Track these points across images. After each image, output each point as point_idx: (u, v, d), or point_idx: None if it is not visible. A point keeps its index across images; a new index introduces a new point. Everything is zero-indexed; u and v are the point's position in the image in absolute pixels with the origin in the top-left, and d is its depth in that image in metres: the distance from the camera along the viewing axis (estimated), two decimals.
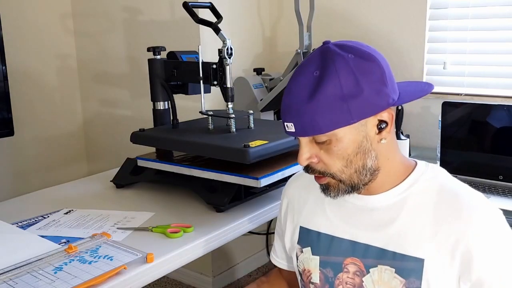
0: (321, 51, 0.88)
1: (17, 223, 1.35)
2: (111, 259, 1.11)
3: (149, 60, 1.74)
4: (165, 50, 1.76)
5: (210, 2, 1.73)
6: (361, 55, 0.85)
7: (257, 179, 1.37)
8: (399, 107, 1.88)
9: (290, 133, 0.89)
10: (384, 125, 0.87)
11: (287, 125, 0.88)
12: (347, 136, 0.85)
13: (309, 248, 1.00)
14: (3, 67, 2.05)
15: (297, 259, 1.03)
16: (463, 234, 0.83)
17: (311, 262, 0.99)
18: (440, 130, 1.84)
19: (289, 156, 1.50)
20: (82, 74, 2.79)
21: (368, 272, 0.92)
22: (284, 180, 1.61)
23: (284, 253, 1.13)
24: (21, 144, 2.54)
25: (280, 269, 1.19)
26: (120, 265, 1.07)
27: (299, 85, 0.86)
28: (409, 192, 0.90)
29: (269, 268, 2.80)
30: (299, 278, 1.05)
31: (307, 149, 0.88)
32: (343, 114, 0.83)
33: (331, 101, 0.83)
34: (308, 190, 1.04)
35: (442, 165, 1.82)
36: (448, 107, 1.82)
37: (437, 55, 2.24)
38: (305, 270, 1.01)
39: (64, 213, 1.43)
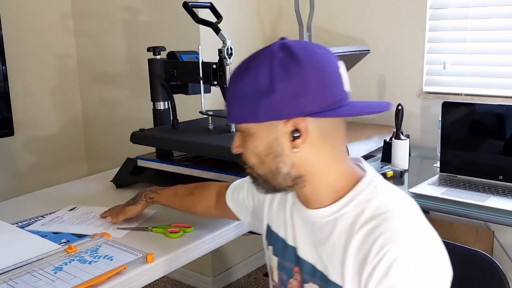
0: (268, 45, 0.87)
1: (17, 223, 1.35)
2: (111, 259, 1.11)
3: (149, 60, 1.74)
4: (165, 50, 1.76)
5: (210, 2, 1.73)
6: (292, 57, 0.81)
7: None
8: (399, 107, 1.88)
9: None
10: (297, 134, 0.81)
11: None
12: (258, 134, 0.84)
13: (272, 247, 1.00)
14: (3, 67, 2.05)
15: (265, 252, 1.05)
16: (374, 269, 0.76)
17: (272, 262, 1.00)
18: (440, 130, 1.84)
19: None
20: (82, 74, 2.80)
21: (303, 286, 0.92)
22: None
23: (244, 204, 1.14)
24: (21, 144, 2.54)
25: (215, 186, 1.25)
26: (120, 265, 1.07)
27: (235, 70, 0.87)
28: (342, 212, 0.84)
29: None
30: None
31: (237, 138, 0.89)
32: (251, 110, 0.81)
33: (243, 94, 0.82)
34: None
35: (442, 165, 1.83)
36: (448, 107, 1.82)
37: (437, 55, 2.24)
38: (269, 266, 1.03)
39: (69, 210, 1.44)
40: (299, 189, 0.87)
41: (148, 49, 1.74)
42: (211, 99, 1.80)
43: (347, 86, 0.85)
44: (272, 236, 1.00)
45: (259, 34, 2.64)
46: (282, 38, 0.89)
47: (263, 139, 0.84)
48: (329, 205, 0.86)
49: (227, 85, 0.90)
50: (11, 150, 2.50)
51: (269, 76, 0.80)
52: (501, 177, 1.70)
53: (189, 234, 1.26)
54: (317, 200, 0.87)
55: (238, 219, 1.18)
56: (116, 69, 2.64)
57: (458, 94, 2.17)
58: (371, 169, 0.89)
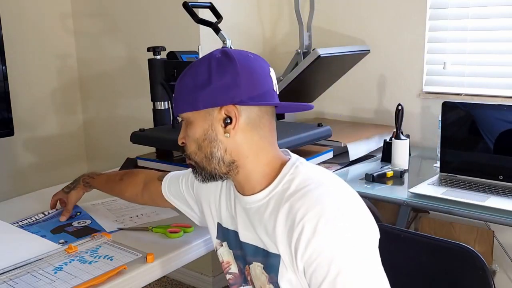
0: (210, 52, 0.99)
1: (19, 222, 1.35)
2: (111, 259, 1.11)
3: (149, 60, 1.74)
4: (165, 50, 1.76)
5: (210, 2, 1.73)
6: (228, 57, 0.94)
7: None
8: (399, 107, 1.88)
9: None
10: (229, 121, 0.93)
11: None
12: (196, 121, 0.95)
13: (226, 242, 1.07)
14: (3, 67, 2.05)
15: (216, 251, 1.10)
16: (301, 233, 0.86)
17: (229, 255, 1.07)
18: (440, 130, 1.84)
19: None
20: (82, 74, 2.79)
21: (249, 268, 1.01)
22: None
23: (182, 198, 1.21)
24: (21, 144, 2.54)
25: (153, 180, 1.29)
26: (120, 265, 1.07)
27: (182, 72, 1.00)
28: (272, 195, 0.94)
29: None
30: (222, 267, 1.11)
31: (181, 130, 0.99)
32: (191, 101, 0.94)
33: (185, 88, 0.95)
34: (221, 187, 1.09)
35: (442, 165, 1.83)
36: (448, 107, 1.82)
37: (437, 55, 2.24)
38: (223, 262, 1.09)
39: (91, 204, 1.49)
40: (234, 175, 0.97)
41: (148, 49, 1.74)
42: None
43: (275, 88, 0.99)
44: (224, 232, 1.07)
45: (259, 34, 2.64)
46: (224, 47, 1.06)
47: (200, 126, 0.95)
48: (261, 190, 0.96)
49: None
50: (11, 150, 2.50)
51: (208, 72, 0.93)
52: (501, 177, 1.70)
53: (189, 234, 1.26)
54: (250, 186, 0.97)
55: (174, 209, 1.26)
56: (116, 69, 2.64)
57: (458, 94, 2.17)
58: (295, 156, 1.00)
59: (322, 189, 0.90)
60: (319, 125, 1.70)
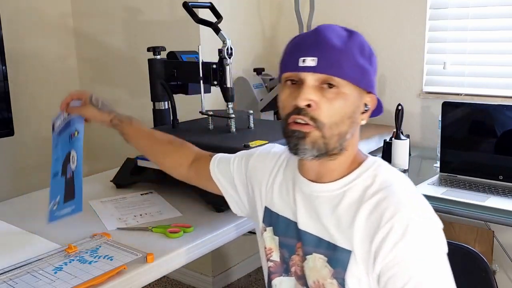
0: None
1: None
2: (111, 259, 1.11)
3: (149, 60, 1.74)
4: (165, 50, 1.76)
5: (210, 2, 1.73)
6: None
7: None
8: (399, 107, 1.88)
9: (305, 68, 0.88)
10: (367, 108, 0.93)
11: (305, 59, 0.88)
12: (350, 97, 0.89)
13: (271, 228, 1.03)
14: (3, 67, 2.05)
15: (261, 235, 1.07)
16: (388, 233, 0.84)
17: (272, 241, 1.03)
18: (440, 130, 1.84)
19: None
20: (82, 74, 2.79)
21: (305, 258, 0.96)
22: None
23: (230, 178, 1.16)
24: (21, 144, 2.54)
25: (202, 156, 1.23)
26: (120, 265, 1.07)
27: (332, 32, 0.90)
28: (350, 186, 0.92)
29: None
30: (263, 253, 1.09)
31: (310, 92, 0.88)
32: (360, 73, 0.90)
33: (359, 54, 0.90)
34: (277, 172, 1.06)
35: (442, 165, 1.83)
36: (448, 107, 1.82)
37: (437, 55, 2.24)
38: (266, 248, 1.05)
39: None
40: (331, 160, 0.93)
41: (148, 49, 1.74)
42: (211, 99, 1.80)
43: None
44: (272, 217, 1.03)
45: (259, 34, 2.64)
46: None
47: (353, 103, 0.90)
48: (336, 180, 0.93)
49: (331, 44, 0.88)
50: (11, 150, 2.50)
51: (369, 51, 0.92)
52: (501, 177, 1.70)
53: (189, 234, 1.26)
54: (330, 174, 0.94)
55: (215, 191, 1.20)
56: (116, 69, 2.64)
57: (458, 94, 2.17)
58: (370, 155, 1.01)
59: (408, 191, 0.89)
60: None
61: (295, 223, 0.98)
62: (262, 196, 1.07)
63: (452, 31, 2.20)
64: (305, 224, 0.96)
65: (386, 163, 0.97)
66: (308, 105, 0.87)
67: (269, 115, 2.24)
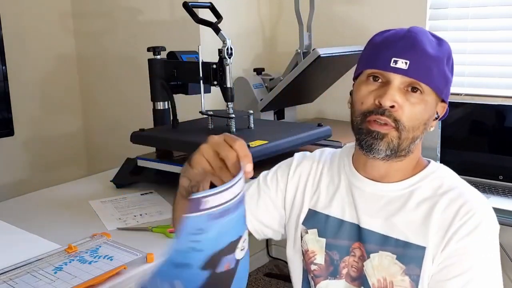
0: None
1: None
2: (111, 259, 1.11)
3: (149, 60, 1.74)
4: (165, 50, 1.76)
5: (210, 2, 1.73)
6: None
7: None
8: None
9: (396, 70, 0.88)
10: (437, 116, 0.96)
11: (397, 60, 0.88)
12: (430, 104, 0.91)
13: (316, 230, 1.01)
14: (3, 67, 2.05)
15: (301, 239, 1.03)
16: (460, 228, 0.88)
17: (316, 244, 1.00)
18: (440, 130, 1.84)
19: (289, 156, 1.50)
20: (82, 74, 2.79)
21: (368, 257, 0.94)
22: None
23: (257, 207, 1.06)
24: (21, 144, 2.54)
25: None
26: (120, 265, 1.07)
27: (424, 37, 0.90)
28: (418, 186, 0.94)
29: (268, 268, 2.80)
30: (298, 258, 1.05)
31: (396, 93, 0.88)
32: (444, 82, 0.91)
33: (445, 64, 0.91)
34: (321, 174, 1.05)
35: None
36: (448, 107, 1.82)
37: None
38: (308, 251, 1.02)
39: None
40: (398, 161, 0.94)
41: (148, 49, 1.74)
42: (211, 99, 1.80)
43: None
44: (317, 219, 1.01)
45: (259, 34, 2.64)
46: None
47: (430, 110, 0.92)
48: (401, 180, 0.95)
49: (425, 50, 0.88)
50: (11, 150, 2.50)
51: (452, 62, 0.93)
52: (501, 177, 1.70)
53: None
54: (395, 174, 0.95)
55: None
56: (116, 69, 2.64)
57: (458, 94, 2.17)
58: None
59: (478, 194, 0.93)
60: (319, 125, 1.70)
61: (352, 223, 0.97)
62: (306, 198, 1.04)
63: (452, 31, 2.20)
64: (368, 222, 0.95)
65: (449, 169, 1.00)
66: (392, 106, 0.88)
67: (269, 115, 2.24)
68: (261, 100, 2.17)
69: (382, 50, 0.90)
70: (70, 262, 1.11)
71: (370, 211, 0.95)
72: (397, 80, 0.88)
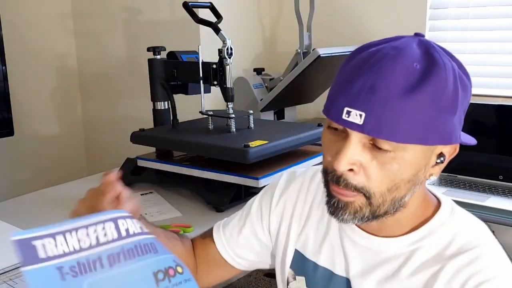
0: (419, 42, 0.69)
1: None
2: None
3: (149, 60, 1.74)
4: (165, 50, 1.76)
5: (210, 2, 1.73)
6: (463, 70, 0.71)
7: (257, 179, 1.37)
8: None
9: (348, 124, 0.66)
10: (442, 159, 0.72)
11: (350, 111, 0.65)
12: (413, 158, 0.67)
13: (304, 278, 0.85)
14: (3, 67, 2.05)
15: (287, 284, 0.88)
16: None
17: None
18: None
19: (289, 156, 1.50)
20: (82, 74, 2.79)
21: None
22: None
23: (237, 241, 0.93)
24: (21, 144, 2.53)
25: (201, 241, 0.96)
26: None
27: (394, 71, 0.64)
28: (421, 245, 0.74)
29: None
30: None
31: (355, 152, 0.67)
32: (431, 129, 0.65)
33: (429, 106, 0.65)
34: (310, 207, 0.87)
35: None
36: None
37: None
38: None
39: None
40: (387, 217, 0.73)
41: (148, 49, 1.74)
42: (211, 99, 1.80)
43: None
44: (305, 265, 0.85)
45: (259, 34, 2.64)
46: (419, 34, 0.73)
47: (415, 164, 0.68)
48: (404, 234, 0.74)
49: (384, 97, 0.64)
50: (11, 150, 2.50)
51: (454, 91, 0.67)
52: (501, 177, 1.70)
53: (189, 234, 1.26)
54: (393, 228, 0.75)
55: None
56: (116, 69, 2.64)
57: None
58: (439, 193, 0.79)
59: (493, 259, 0.70)
60: (319, 125, 1.70)
61: (343, 277, 0.80)
62: (291, 236, 0.87)
63: (452, 31, 2.20)
64: (359, 284, 0.77)
65: (462, 210, 0.77)
66: (350, 169, 0.68)
67: (269, 115, 2.24)
68: (261, 100, 2.17)
69: (339, 92, 0.69)
70: None
71: (362, 269, 0.77)
72: (355, 135, 0.66)
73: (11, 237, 0.48)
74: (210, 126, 1.62)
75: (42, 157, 2.64)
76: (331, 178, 0.70)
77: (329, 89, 0.74)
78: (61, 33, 2.70)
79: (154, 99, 1.75)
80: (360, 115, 0.64)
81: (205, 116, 1.63)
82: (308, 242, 0.85)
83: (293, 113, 2.36)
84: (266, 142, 1.42)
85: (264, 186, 1.40)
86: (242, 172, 1.40)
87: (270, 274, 2.75)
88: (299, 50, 2.14)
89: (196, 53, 1.66)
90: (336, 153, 0.68)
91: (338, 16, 2.44)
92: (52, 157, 2.69)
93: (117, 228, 0.51)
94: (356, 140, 0.67)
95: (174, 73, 1.69)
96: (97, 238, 0.49)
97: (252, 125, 1.63)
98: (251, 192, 1.47)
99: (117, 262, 0.50)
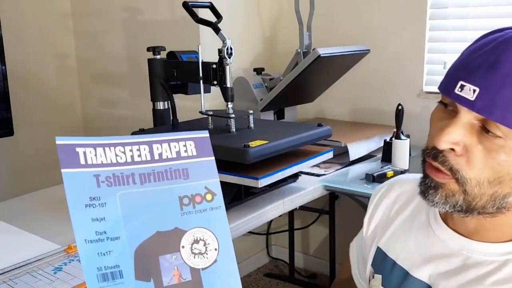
0: None
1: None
2: None
3: (149, 60, 1.73)
4: (165, 50, 1.76)
5: (210, 2, 1.73)
6: None
7: (257, 179, 1.36)
8: (399, 107, 1.87)
9: (460, 99, 0.62)
10: None
11: (464, 86, 0.62)
12: None
13: (380, 276, 0.81)
14: (3, 67, 2.05)
15: (368, 283, 0.86)
16: None
17: None
18: None
19: (289, 156, 1.50)
20: (82, 74, 2.79)
21: None
22: (284, 180, 1.61)
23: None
24: (21, 144, 2.54)
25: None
26: None
27: (509, 56, 0.61)
28: None
29: (269, 268, 2.80)
30: None
31: (460, 132, 0.63)
32: None
33: None
34: (399, 207, 0.85)
35: None
36: None
37: (437, 55, 2.24)
38: None
39: None
40: (490, 217, 0.68)
41: (148, 49, 1.74)
42: (211, 99, 1.80)
43: None
44: (384, 263, 0.81)
45: (259, 34, 2.64)
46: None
47: None
48: (500, 242, 0.68)
49: (504, 74, 0.60)
50: (11, 150, 2.50)
51: None
52: None
53: None
54: (491, 233, 0.69)
55: None
56: (116, 69, 2.64)
57: None
58: None
59: None
60: (319, 125, 1.70)
61: (421, 282, 0.75)
62: (377, 232, 0.85)
63: (452, 31, 2.20)
64: (438, 284, 0.72)
65: None
66: (452, 149, 0.64)
67: (269, 115, 2.24)
68: (261, 100, 2.17)
69: (458, 68, 0.67)
70: (69, 262, 1.10)
71: (447, 272, 0.71)
72: (464, 113, 0.63)
73: (56, 141, 0.55)
74: (210, 126, 1.62)
75: (42, 157, 2.64)
76: (429, 154, 0.67)
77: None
78: (61, 33, 2.70)
79: (154, 99, 1.75)
80: (474, 90, 0.61)
81: (205, 116, 1.63)
82: (390, 240, 0.82)
83: (293, 113, 2.36)
84: (266, 142, 1.42)
85: (264, 186, 1.41)
86: (242, 172, 1.39)
87: (270, 274, 2.75)
88: (299, 50, 2.14)
89: (196, 53, 1.66)
90: (440, 129, 0.65)
91: (338, 16, 2.44)
92: (52, 157, 2.68)
93: (151, 151, 0.59)
94: (465, 119, 0.63)
95: (174, 73, 1.69)
96: (132, 157, 0.56)
97: (252, 125, 1.62)
98: (251, 192, 1.47)
99: (147, 182, 0.56)
